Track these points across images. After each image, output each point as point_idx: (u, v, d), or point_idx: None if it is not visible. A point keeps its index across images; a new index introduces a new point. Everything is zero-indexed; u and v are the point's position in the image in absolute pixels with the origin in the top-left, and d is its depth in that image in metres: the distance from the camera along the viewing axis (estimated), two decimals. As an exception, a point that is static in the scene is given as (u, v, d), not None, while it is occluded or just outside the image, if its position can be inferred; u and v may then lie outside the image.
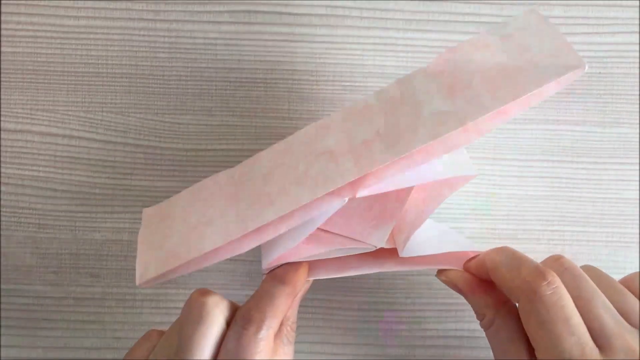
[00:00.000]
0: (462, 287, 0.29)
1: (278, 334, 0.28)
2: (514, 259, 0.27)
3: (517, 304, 0.27)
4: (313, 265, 0.30)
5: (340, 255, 0.29)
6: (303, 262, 0.29)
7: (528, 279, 0.25)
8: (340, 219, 0.30)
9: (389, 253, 0.30)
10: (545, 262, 0.28)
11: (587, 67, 0.23)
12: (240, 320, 0.26)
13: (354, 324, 0.35)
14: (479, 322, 0.28)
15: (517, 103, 0.24)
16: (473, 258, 0.29)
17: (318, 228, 0.29)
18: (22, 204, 0.35)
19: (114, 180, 0.35)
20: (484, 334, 0.28)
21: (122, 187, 0.35)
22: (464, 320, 0.32)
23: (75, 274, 0.35)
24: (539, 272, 0.25)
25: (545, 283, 0.25)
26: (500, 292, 0.28)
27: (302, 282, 0.29)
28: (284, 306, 0.27)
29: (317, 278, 0.30)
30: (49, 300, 0.35)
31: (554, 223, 0.35)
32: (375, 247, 0.28)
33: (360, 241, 0.29)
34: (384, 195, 0.29)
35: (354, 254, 0.29)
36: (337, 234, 0.30)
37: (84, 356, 0.35)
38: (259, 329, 0.26)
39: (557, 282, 0.25)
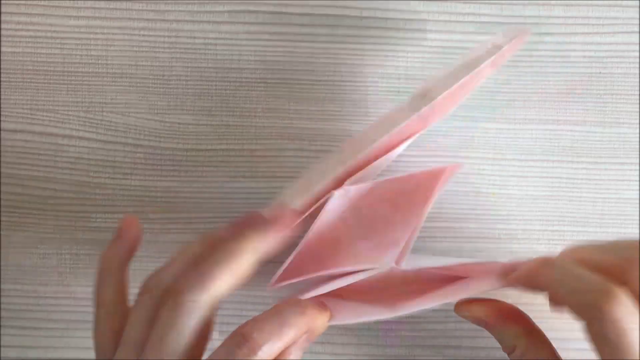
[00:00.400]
0: (490, 320, 0.27)
1: None
2: (572, 275, 0.24)
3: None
4: (333, 309, 0.28)
5: (348, 282, 0.28)
6: (327, 304, 0.27)
7: (594, 298, 0.22)
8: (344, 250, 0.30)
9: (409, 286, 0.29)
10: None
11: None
12: (238, 336, 0.24)
13: (354, 324, 0.35)
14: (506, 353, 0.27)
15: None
16: (510, 269, 0.26)
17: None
18: (22, 204, 0.35)
19: (114, 180, 0.35)
20: (484, 334, 0.28)
21: (122, 187, 0.35)
22: (464, 320, 0.32)
23: (75, 274, 0.35)
24: (605, 290, 0.23)
25: (614, 302, 0.22)
26: (528, 318, 0.27)
27: (322, 326, 0.27)
28: (291, 338, 0.25)
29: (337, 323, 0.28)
30: (49, 300, 0.35)
31: (554, 223, 0.35)
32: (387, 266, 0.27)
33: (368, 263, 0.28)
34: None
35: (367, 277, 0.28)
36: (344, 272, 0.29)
37: (83, 356, 0.35)
38: (252, 352, 0.23)
39: (625, 300, 0.23)
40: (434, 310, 0.35)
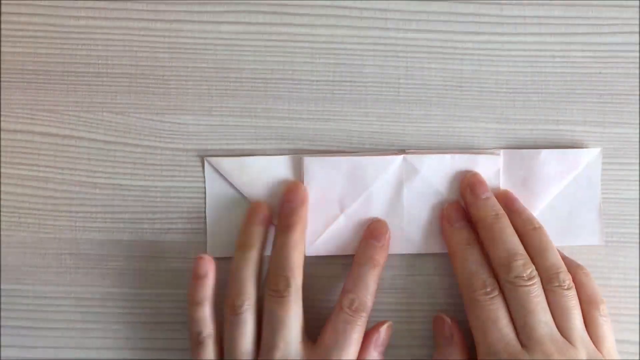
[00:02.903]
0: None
1: None
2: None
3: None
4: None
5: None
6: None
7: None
8: None
9: None
10: None
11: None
12: (347, 309, 0.32)
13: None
14: None
15: None
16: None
17: None
18: (22, 204, 0.35)
19: (114, 180, 0.35)
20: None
21: (122, 187, 0.35)
22: (464, 320, 0.32)
23: (75, 274, 0.35)
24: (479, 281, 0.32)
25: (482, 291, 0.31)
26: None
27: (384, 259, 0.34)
28: (376, 287, 0.33)
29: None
30: (49, 300, 0.35)
31: (554, 223, 0.35)
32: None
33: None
34: None
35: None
36: None
37: (84, 356, 0.35)
38: (360, 317, 0.32)
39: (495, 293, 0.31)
40: (434, 311, 0.35)
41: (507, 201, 0.34)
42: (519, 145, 0.35)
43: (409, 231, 0.35)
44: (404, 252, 0.35)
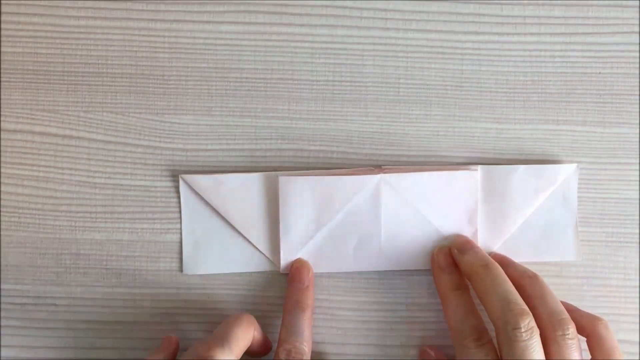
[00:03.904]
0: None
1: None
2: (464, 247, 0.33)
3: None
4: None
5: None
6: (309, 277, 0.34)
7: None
8: None
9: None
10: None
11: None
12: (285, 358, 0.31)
13: (354, 324, 0.35)
14: None
15: None
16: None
17: None
18: (22, 204, 0.35)
19: (114, 180, 0.35)
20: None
21: (122, 187, 0.35)
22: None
23: (75, 274, 0.35)
24: (519, 315, 0.29)
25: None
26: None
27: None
28: (311, 335, 0.32)
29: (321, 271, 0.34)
30: (49, 300, 0.35)
31: (554, 223, 0.35)
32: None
33: None
34: None
35: None
36: None
37: (83, 356, 0.35)
38: None
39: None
40: (434, 310, 0.35)
41: (498, 258, 0.34)
42: (519, 144, 0.35)
43: (386, 249, 0.34)
44: (381, 269, 0.35)
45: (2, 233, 0.35)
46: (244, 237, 0.35)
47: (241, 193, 0.35)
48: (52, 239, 0.35)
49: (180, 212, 0.35)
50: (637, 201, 0.35)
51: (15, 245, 0.35)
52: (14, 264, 0.35)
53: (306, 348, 0.31)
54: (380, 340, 0.35)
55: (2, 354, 0.35)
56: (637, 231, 0.35)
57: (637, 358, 0.35)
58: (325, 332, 0.35)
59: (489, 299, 0.30)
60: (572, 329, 0.29)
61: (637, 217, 0.35)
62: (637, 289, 0.35)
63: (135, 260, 0.35)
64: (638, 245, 0.35)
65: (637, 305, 0.35)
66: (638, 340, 0.35)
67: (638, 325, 0.35)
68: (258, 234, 0.35)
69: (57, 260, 0.35)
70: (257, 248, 0.35)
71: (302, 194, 0.34)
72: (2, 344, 0.35)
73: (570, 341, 0.29)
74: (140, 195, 0.35)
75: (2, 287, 0.35)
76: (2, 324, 0.35)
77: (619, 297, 0.35)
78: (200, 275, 0.35)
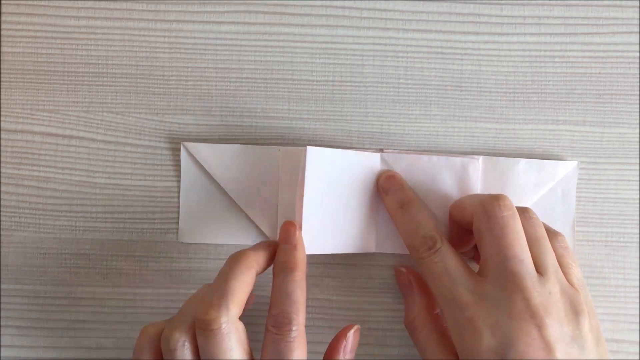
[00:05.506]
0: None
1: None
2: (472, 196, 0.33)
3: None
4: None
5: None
6: (298, 240, 0.32)
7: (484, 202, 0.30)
8: None
9: None
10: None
11: None
12: (272, 327, 0.29)
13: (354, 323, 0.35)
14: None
15: None
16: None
17: None
18: (22, 204, 0.35)
19: (114, 180, 0.35)
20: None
21: (122, 187, 0.35)
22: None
23: (76, 274, 0.35)
24: (494, 196, 0.30)
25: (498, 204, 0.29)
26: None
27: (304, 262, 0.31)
28: (303, 298, 0.29)
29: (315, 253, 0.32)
30: (49, 300, 0.35)
31: (554, 223, 0.35)
32: None
33: None
34: None
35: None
36: None
37: (84, 356, 0.35)
38: (289, 331, 0.28)
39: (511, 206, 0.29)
40: (434, 310, 0.35)
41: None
42: (519, 144, 0.35)
43: (383, 231, 0.34)
44: (379, 251, 0.35)
45: (2, 233, 0.35)
46: (241, 210, 0.35)
47: (241, 164, 0.35)
48: (52, 239, 0.35)
49: (179, 180, 0.35)
50: (637, 201, 0.35)
51: (15, 245, 0.35)
52: (14, 264, 0.35)
53: (295, 313, 0.29)
54: (380, 340, 0.35)
55: (2, 354, 0.35)
56: (637, 231, 0.35)
57: (637, 358, 0.35)
58: (325, 332, 0.35)
59: (403, 236, 0.32)
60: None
61: (637, 217, 0.35)
62: (637, 289, 0.35)
63: (135, 260, 0.35)
64: (638, 245, 0.35)
65: (637, 305, 0.35)
66: (638, 340, 0.35)
67: (638, 325, 0.35)
68: (255, 206, 0.35)
69: (57, 260, 0.35)
70: (253, 222, 0.35)
71: (328, 168, 0.33)
72: (2, 344, 0.35)
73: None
74: (140, 195, 0.35)
75: (2, 287, 0.35)
76: (2, 324, 0.35)
77: (618, 297, 0.35)
78: (201, 276, 0.35)
